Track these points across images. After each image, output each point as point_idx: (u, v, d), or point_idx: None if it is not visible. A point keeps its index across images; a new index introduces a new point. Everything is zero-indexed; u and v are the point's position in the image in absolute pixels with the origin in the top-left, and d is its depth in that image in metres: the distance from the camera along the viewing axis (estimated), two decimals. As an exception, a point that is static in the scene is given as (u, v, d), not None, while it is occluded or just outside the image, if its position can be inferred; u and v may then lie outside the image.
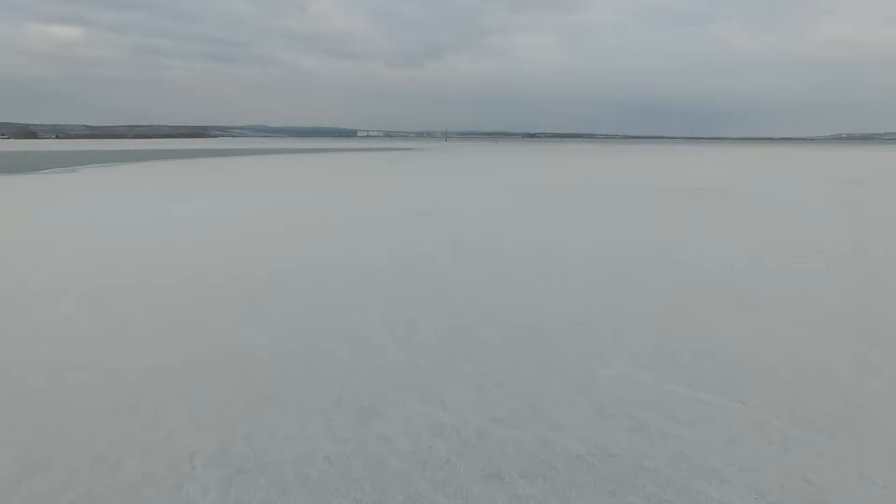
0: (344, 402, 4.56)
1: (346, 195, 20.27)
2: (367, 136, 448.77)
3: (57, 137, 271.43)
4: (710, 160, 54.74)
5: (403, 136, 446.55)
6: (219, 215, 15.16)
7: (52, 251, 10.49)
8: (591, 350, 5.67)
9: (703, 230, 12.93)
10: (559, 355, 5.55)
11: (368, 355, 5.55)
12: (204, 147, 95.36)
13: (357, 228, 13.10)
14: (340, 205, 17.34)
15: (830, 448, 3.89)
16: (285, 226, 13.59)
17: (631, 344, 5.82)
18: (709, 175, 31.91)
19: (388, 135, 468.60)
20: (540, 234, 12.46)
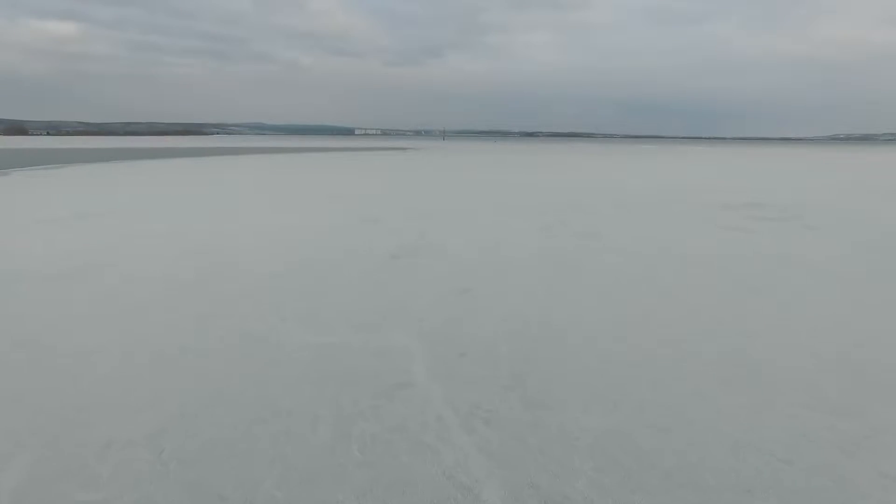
0: None
1: (302, 218, 15.07)
2: (365, 134, 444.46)
3: (48, 134, 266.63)
4: (729, 162, 50.62)
5: (401, 134, 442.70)
6: (75, 251, 10.69)
7: None
8: None
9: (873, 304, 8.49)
10: None
11: None
12: (192, 145, 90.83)
13: (266, 300, 7.16)
14: (277, 242, 11.80)
15: None
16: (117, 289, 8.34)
17: None
18: (748, 183, 27.58)
19: (386, 133, 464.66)
20: (595, 315, 7.16)
